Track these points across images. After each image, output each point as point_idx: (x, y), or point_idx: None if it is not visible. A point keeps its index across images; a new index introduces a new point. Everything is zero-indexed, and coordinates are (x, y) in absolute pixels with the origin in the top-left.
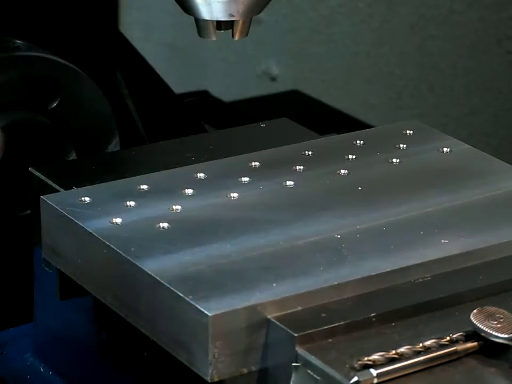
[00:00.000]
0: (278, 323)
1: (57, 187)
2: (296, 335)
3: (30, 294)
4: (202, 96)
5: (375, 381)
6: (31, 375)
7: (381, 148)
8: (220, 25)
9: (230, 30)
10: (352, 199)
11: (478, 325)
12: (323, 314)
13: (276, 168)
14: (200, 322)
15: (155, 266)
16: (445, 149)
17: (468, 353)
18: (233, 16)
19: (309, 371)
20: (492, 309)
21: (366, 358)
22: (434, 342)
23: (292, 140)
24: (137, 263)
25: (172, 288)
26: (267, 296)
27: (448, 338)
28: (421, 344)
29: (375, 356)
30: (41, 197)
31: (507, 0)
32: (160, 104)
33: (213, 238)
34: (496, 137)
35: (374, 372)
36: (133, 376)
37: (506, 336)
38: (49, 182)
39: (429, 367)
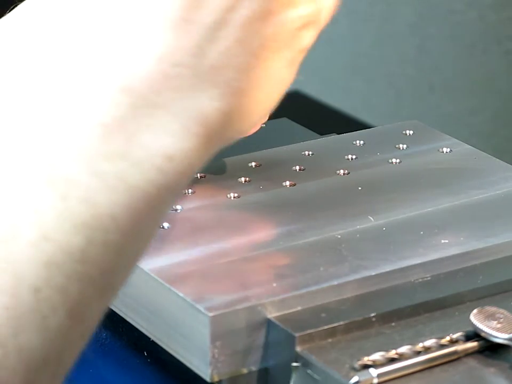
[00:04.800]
0: (278, 323)
1: None
2: (296, 335)
3: None
4: None
5: (375, 381)
6: None
7: (381, 148)
8: None
9: None
10: (352, 199)
11: (478, 325)
12: (323, 314)
13: (276, 168)
14: (200, 322)
15: (155, 266)
16: (445, 149)
17: (468, 353)
18: None
19: (309, 371)
20: (492, 309)
21: (366, 358)
22: (434, 342)
23: (292, 140)
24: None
25: (172, 288)
26: (267, 296)
27: (448, 338)
28: (421, 344)
29: (375, 356)
30: None
31: (507, 0)
32: None
33: (213, 238)
34: (496, 137)
35: (374, 372)
36: (133, 376)
37: (506, 336)
38: None
39: (429, 367)
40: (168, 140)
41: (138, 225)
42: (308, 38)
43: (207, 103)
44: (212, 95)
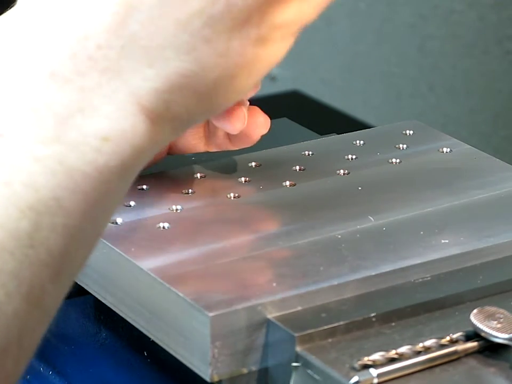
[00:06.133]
0: (278, 323)
1: None
2: (296, 335)
3: None
4: None
5: (375, 381)
6: (31, 375)
7: (381, 148)
8: None
9: None
10: (352, 199)
11: (478, 325)
12: (323, 314)
13: (276, 168)
14: (200, 322)
15: (155, 266)
16: (445, 149)
17: (468, 353)
18: None
19: (309, 371)
20: (492, 309)
21: (366, 358)
22: (434, 342)
23: (292, 139)
24: (137, 263)
25: (172, 288)
26: (267, 296)
27: (448, 338)
28: (421, 344)
29: (375, 356)
30: None
31: (507, 0)
32: None
33: (213, 238)
34: (496, 137)
35: (374, 372)
36: (133, 376)
37: (506, 336)
38: None
39: (429, 367)
40: (101, 121)
41: (87, 208)
42: (282, 12)
43: (141, 84)
44: (146, 76)
